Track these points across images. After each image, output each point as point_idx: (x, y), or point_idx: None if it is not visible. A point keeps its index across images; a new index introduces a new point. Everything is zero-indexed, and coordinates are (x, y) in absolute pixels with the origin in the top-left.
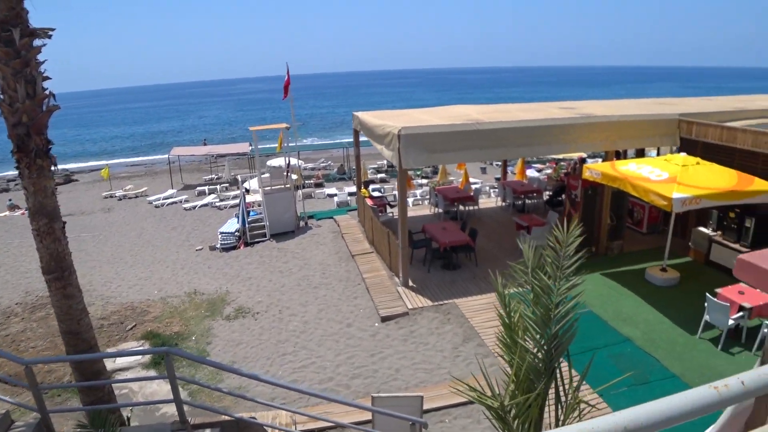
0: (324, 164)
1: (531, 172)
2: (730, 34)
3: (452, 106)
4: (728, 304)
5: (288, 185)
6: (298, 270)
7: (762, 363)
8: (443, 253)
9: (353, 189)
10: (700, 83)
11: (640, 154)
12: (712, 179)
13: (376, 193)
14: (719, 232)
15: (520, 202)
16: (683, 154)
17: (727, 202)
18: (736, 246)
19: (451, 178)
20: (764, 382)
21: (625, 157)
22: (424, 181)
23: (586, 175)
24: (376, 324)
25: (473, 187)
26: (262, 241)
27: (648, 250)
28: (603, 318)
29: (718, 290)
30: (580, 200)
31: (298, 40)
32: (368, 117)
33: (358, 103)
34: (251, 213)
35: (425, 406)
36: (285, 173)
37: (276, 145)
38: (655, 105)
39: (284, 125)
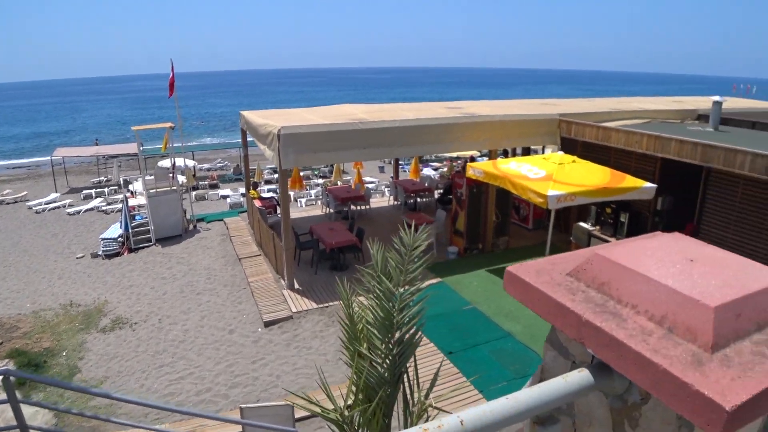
0: (221, 164)
1: (427, 171)
2: (622, 40)
3: (340, 105)
4: None
5: (174, 187)
6: (182, 276)
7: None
8: (330, 254)
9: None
10: (592, 86)
11: (527, 152)
12: (586, 177)
13: (269, 194)
14: (597, 227)
15: (412, 201)
16: (561, 153)
17: (599, 199)
18: (612, 240)
19: (348, 177)
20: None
21: (525, 155)
22: (322, 180)
23: (470, 173)
24: (260, 329)
25: (367, 186)
26: (147, 247)
27: (533, 245)
28: (486, 314)
29: None
30: (465, 198)
31: (203, 36)
32: (253, 116)
33: (262, 102)
34: (137, 217)
35: (299, 414)
36: (170, 174)
37: (161, 145)
38: (540, 105)
39: (169, 124)
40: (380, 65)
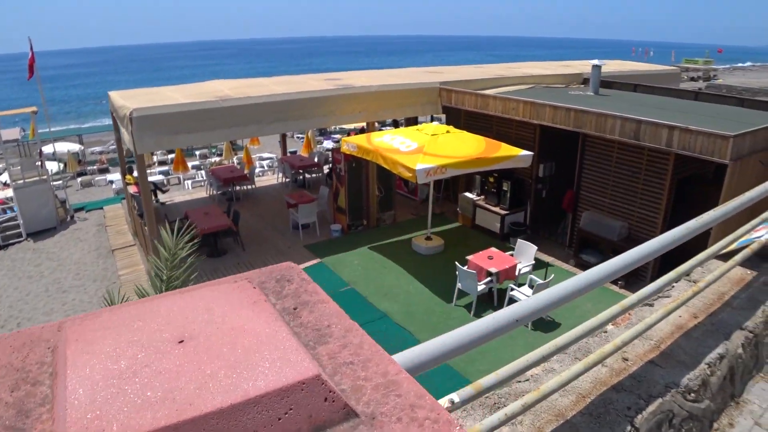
0: (114, 147)
1: (328, 144)
2: (529, 6)
3: (207, 82)
4: (475, 272)
5: (44, 176)
6: (50, 273)
7: None
8: (204, 240)
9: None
10: (502, 51)
11: (412, 122)
12: (459, 148)
13: (156, 177)
14: (483, 197)
15: (301, 178)
16: (435, 123)
17: (473, 170)
18: (497, 209)
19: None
20: None
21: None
22: (217, 159)
23: (344, 148)
24: None
25: (258, 165)
26: (18, 243)
27: (421, 218)
28: (363, 294)
29: (469, 257)
30: (345, 174)
31: (102, 8)
32: (116, 97)
33: (165, 77)
34: (7, 211)
35: None
36: (38, 163)
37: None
38: (424, 74)
39: (31, 109)
40: (296, 35)
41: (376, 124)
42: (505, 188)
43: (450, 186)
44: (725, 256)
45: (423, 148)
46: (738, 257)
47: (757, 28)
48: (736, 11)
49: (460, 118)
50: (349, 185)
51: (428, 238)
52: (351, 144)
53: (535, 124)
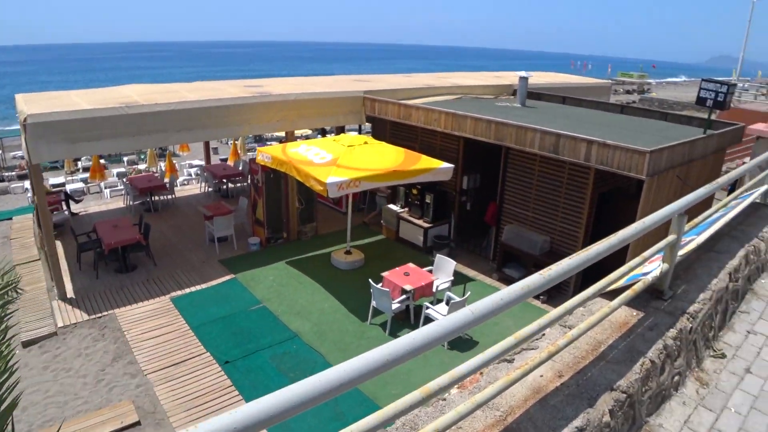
0: None
1: None
2: (479, 17)
3: (118, 86)
4: (389, 290)
5: None
6: None
7: None
8: (110, 255)
9: (60, 179)
10: (448, 60)
11: (341, 131)
12: (375, 160)
13: (78, 185)
14: (406, 209)
15: (225, 188)
16: (353, 134)
17: (389, 183)
18: (420, 222)
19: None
20: None
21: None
22: (143, 166)
23: (259, 159)
24: (17, 352)
25: (192, 171)
26: None
27: (345, 230)
28: (275, 312)
29: (384, 274)
30: (262, 185)
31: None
32: (20, 101)
33: (97, 79)
34: None
35: None
36: None
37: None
38: (351, 82)
39: None
40: (242, 39)
41: (312, 132)
42: (428, 201)
43: (375, 197)
44: (612, 294)
45: (337, 161)
46: (624, 296)
47: (692, 46)
48: (672, 29)
49: (385, 128)
50: (267, 196)
51: (348, 252)
52: (266, 155)
53: (458, 135)
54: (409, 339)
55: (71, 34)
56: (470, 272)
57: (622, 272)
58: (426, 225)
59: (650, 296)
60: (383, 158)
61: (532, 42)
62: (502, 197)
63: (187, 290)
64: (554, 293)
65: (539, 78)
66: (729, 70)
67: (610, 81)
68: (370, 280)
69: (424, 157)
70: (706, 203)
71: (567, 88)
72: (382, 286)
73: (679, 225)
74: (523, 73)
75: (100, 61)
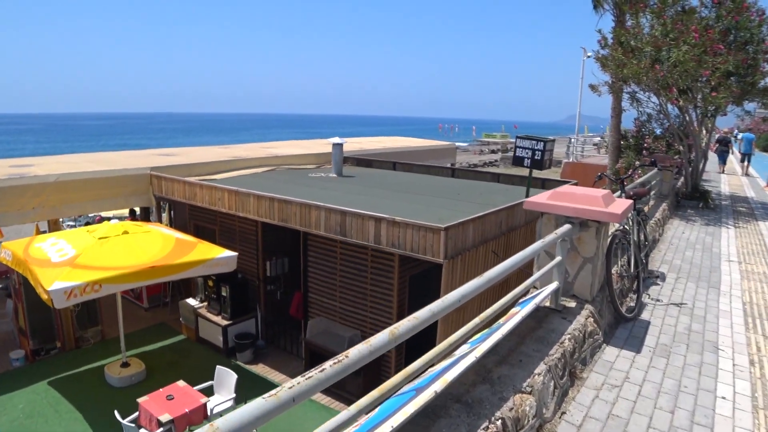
0: None
1: None
2: (351, 84)
3: None
4: (134, 426)
5: None
6: None
7: None
8: None
9: None
10: (317, 129)
11: (145, 216)
12: (130, 255)
13: None
14: (206, 303)
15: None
16: (114, 221)
17: (147, 282)
18: (218, 319)
19: None
20: None
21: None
22: None
23: (1, 257)
24: None
25: None
26: None
27: (147, 327)
28: None
29: (141, 399)
30: (20, 286)
31: None
32: None
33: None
34: None
35: None
36: None
37: None
38: (150, 157)
39: None
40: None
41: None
42: (224, 293)
43: (181, 288)
44: None
45: (76, 258)
46: None
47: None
48: (533, 92)
49: (185, 210)
50: (28, 299)
51: (125, 364)
52: (7, 251)
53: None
54: None
55: None
56: (279, 377)
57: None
58: (225, 322)
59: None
60: (143, 252)
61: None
62: (306, 286)
63: None
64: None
65: (377, 143)
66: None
67: (478, 141)
68: (116, 414)
69: (201, 245)
70: None
71: (406, 152)
72: (127, 422)
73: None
74: (336, 140)
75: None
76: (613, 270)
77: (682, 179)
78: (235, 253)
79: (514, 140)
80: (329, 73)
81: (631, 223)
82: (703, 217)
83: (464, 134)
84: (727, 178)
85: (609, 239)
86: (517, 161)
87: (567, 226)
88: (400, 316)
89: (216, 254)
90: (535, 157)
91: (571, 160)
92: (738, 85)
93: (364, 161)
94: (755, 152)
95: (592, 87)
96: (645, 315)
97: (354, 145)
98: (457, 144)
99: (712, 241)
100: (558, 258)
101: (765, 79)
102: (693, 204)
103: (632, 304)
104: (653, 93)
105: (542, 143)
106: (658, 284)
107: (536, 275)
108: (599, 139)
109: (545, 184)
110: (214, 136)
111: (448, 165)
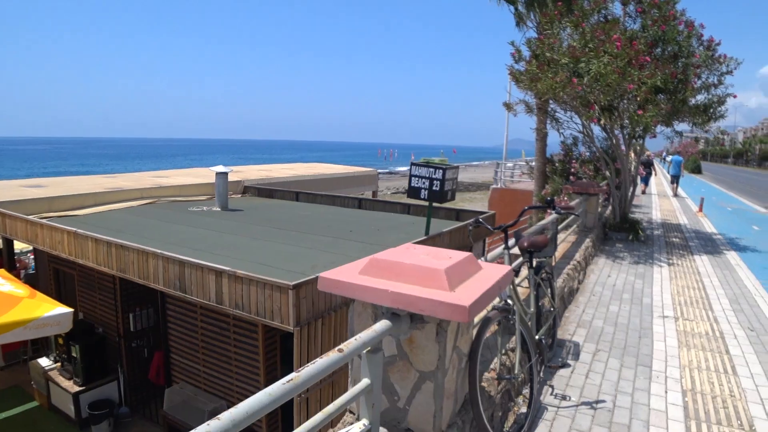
0: None
1: None
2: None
3: None
4: None
5: None
6: None
7: None
8: None
9: None
10: (258, 154)
11: None
12: None
13: None
14: (58, 364)
15: None
16: None
17: None
18: (69, 384)
19: None
20: None
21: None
22: None
23: None
24: None
25: None
26: None
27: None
28: None
29: None
30: None
31: None
32: None
33: None
34: None
35: None
36: None
37: None
38: (15, 188)
39: None
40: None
41: None
42: (74, 354)
43: (41, 342)
44: None
45: None
46: None
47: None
48: (474, 116)
49: (44, 254)
50: None
51: None
52: None
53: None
54: None
55: None
56: None
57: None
58: (76, 388)
59: None
60: None
61: (346, 134)
62: (168, 346)
63: None
64: None
65: (288, 170)
66: (519, 150)
67: (376, 169)
68: None
69: (28, 300)
70: None
71: (322, 180)
72: None
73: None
74: (220, 168)
75: None
76: (489, 371)
77: (610, 208)
78: (69, 310)
79: (453, 166)
80: (267, 98)
81: (513, 292)
82: (633, 252)
83: (403, 159)
84: (659, 203)
85: (478, 326)
86: (413, 193)
87: (384, 323)
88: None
89: (43, 312)
90: (434, 188)
91: (499, 186)
92: (667, 102)
93: (265, 191)
94: (684, 174)
95: (507, 106)
96: (542, 428)
97: (260, 173)
98: (398, 168)
99: (643, 286)
100: (364, 382)
101: (696, 96)
102: (622, 236)
103: (523, 410)
104: (575, 112)
105: (441, 171)
106: (569, 364)
107: (341, 400)
108: (523, 163)
109: (460, 215)
110: (142, 162)
111: (361, 194)
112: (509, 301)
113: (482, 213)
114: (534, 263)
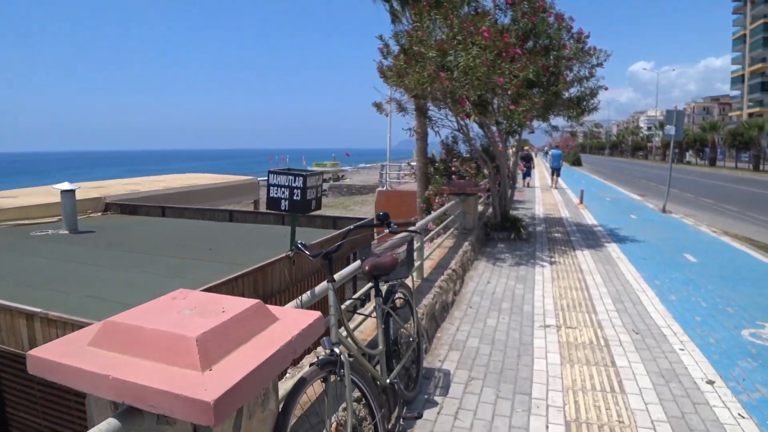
0: None
1: None
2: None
3: None
4: None
5: None
6: None
7: None
8: None
9: None
10: (154, 166)
11: None
12: None
13: None
14: None
15: None
16: None
17: None
18: None
19: None
20: None
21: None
22: None
23: None
24: None
25: None
26: None
27: None
28: None
29: None
30: None
31: None
32: None
33: None
34: None
35: None
36: None
37: None
38: None
39: None
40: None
41: None
42: None
43: None
44: None
45: None
46: None
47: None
48: (363, 118)
49: None
50: None
51: None
52: None
53: None
54: None
55: None
56: None
57: None
58: None
59: None
60: None
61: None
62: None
63: None
64: None
65: (158, 183)
66: (410, 152)
67: (256, 178)
68: None
69: None
70: None
71: (196, 191)
72: None
73: None
74: (65, 186)
75: None
76: None
77: (491, 207)
78: None
79: (347, 168)
80: (149, 106)
81: (346, 335)
82: (515, 253)
83: (295, 164)
84: (542, 196)
85: (285, 397)
86: (272, 204)
87: (110, 424)
88: None
89: None
90: (294, 197)
91: (384, 188)
92: (541, 96)
93: (129, 207)
94: (563, 165)
95: (377, 106)
96: None
97: (127, 187)
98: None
99: (524, 291)
100: None
101: (569, 89)
102: (504, 236)
103: None
104: (448, 108)
105: (302, 179)
106: (436, 401)
107: None
108: (405, 164)
109: (337, 223)
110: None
111: (239, 205)
112: (336, 350)
113: (360, 219)
114: (383, 289)
